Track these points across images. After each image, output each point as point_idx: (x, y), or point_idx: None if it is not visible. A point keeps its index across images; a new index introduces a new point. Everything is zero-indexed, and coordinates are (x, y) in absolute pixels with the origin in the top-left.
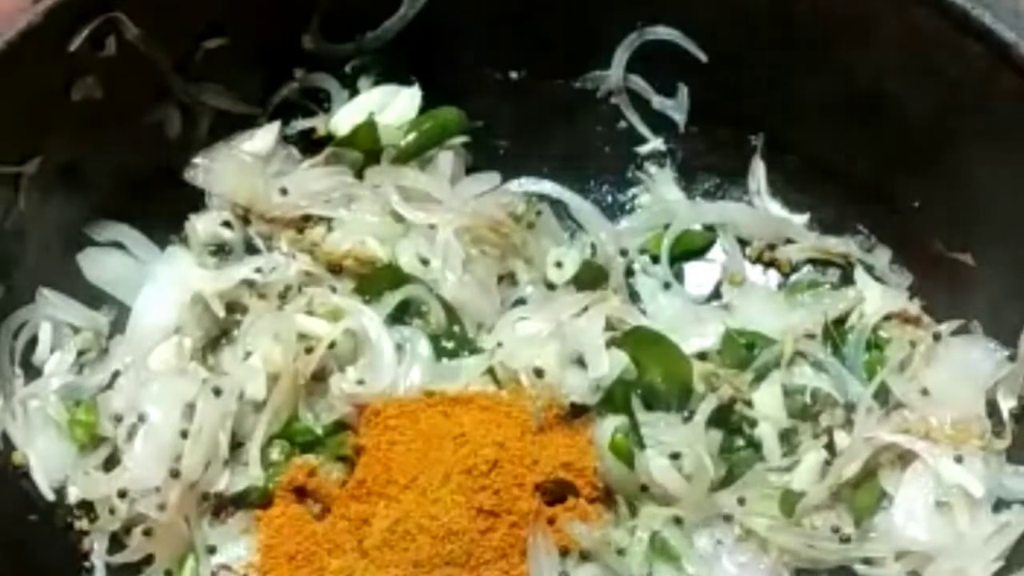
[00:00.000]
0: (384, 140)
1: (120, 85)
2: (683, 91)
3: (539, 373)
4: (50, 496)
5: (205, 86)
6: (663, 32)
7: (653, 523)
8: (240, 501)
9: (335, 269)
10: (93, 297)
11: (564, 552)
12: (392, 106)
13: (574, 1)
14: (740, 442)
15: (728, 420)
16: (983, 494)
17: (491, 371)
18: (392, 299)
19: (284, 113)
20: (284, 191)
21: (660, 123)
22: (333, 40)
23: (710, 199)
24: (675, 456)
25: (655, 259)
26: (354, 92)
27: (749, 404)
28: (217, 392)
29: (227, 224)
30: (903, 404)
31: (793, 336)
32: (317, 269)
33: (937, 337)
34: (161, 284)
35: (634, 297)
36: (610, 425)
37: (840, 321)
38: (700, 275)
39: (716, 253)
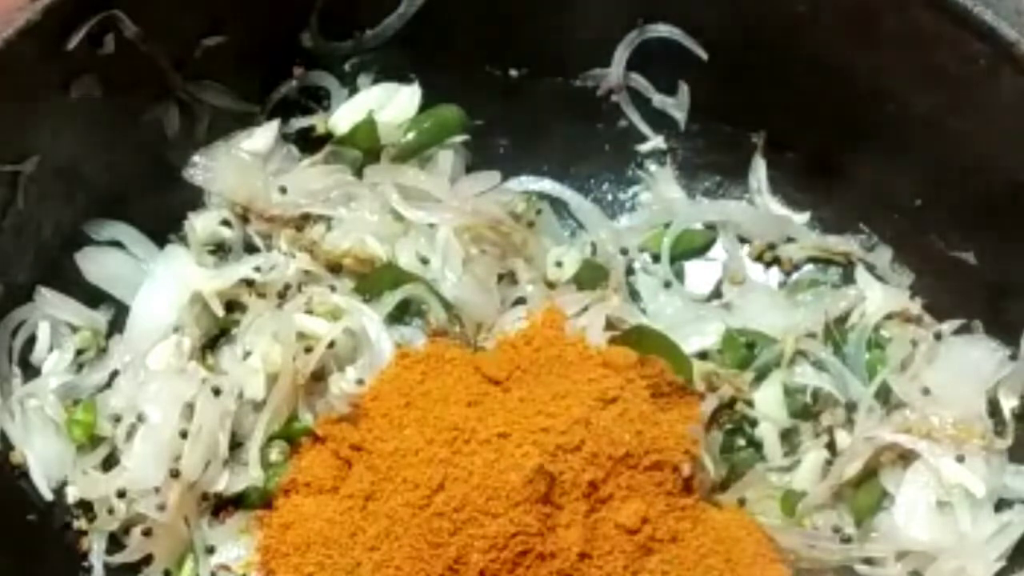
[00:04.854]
0: (383, 138)
1: (119, 83)
2: (684, 89)
3: None
4: (48, 496)
5: (204, 84)
6: (664, 30)
7: None
8: (239, 501)
9: (334, 268)
10: (91, 296)
11: None
12: (392, 104)
13: None
14: (741, 442)
15: (729, 420)
16: (985, 494)
17: None
18: (392, 298)
19: (283, 111)
20: (283, 190)
21: (661, 121)
22: (332, 38)
23: (711, 197)
24: None
25: (656, 258)
26: (353, 90)
27: (750, 404)
28: (216, 392)
29: (226, 223)
30: (904, 403)
31: (794, 335)
32: (316, 268)
33: (938, 336)
34: (160, 283)
35: (634, 296)
36: None
37: (841, 320)
38: (701, 274)
39: (717, 252)
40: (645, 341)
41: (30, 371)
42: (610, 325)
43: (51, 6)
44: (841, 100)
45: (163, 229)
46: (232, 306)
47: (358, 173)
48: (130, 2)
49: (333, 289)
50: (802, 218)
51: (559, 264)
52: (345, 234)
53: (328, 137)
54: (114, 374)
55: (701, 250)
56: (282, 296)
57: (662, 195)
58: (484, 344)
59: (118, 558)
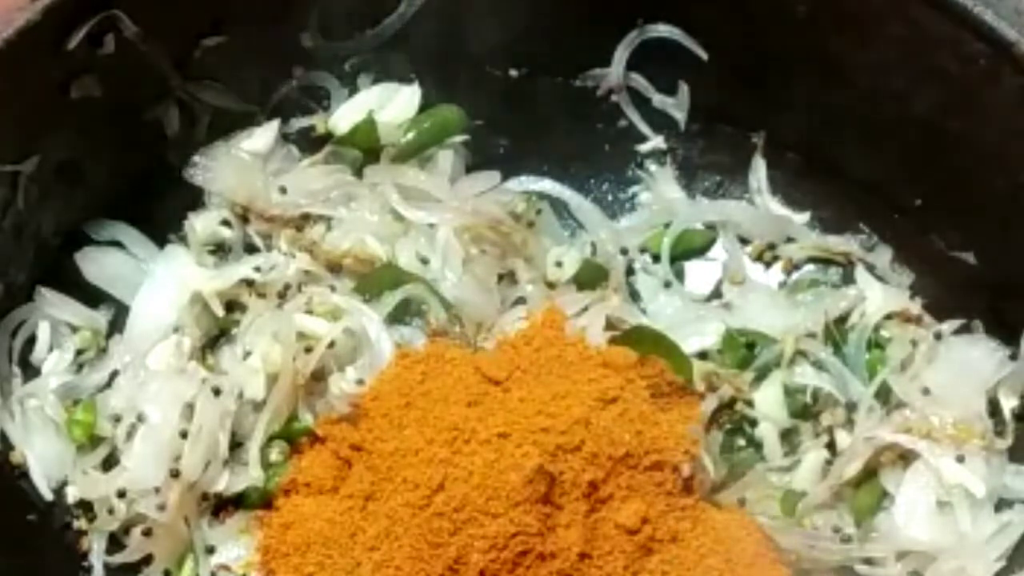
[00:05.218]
0: (383, 138)
1: (119, 83)
2: (684, 89)
3: None
4: (48, 496)
5: (204, 84)
6: (664, 30)
7: None
8: (239, 501)
9: (334, 268)
10: (92, 296)
11: None
12: (392, 104)
13: None
14: (741, 442)
15: (729, 420)
16: (985, 494)
17: None
18: (392, 298)
19: (283, 111)
20: (283, 190)
21: (661, 121)
22: (332, 38)
23: (711, 197)
24: None
25: (656, 258)
26: (353, 90)
27: (750, 404)
28: (216, 392)
29: (226, 223)
30: (904, 403)
31: (794, 335)
32: (316, 268)
33: (938, 336)
34: (160, 283)
35: (634, 296)
36: None
37: (841, 320)
38: (701, 274)
39: (717, 252)
40: (645, 341)
41: (30, 371)
42: (610, 325)
43: (51, 6)
44: (841, 100)
45: (163, 229)
46: (232, 306)
47: (358, 173)
48: (130, 2)
49: (333, 289)
50: (802, 218)
51: (559, 264)
52: (345, 234)
53: (328, 137)
54: (114, 374)
55: (701, 250)
56: (282, 296)
57: (662, 195)
58: (484, 344)
59: (118, 558)
